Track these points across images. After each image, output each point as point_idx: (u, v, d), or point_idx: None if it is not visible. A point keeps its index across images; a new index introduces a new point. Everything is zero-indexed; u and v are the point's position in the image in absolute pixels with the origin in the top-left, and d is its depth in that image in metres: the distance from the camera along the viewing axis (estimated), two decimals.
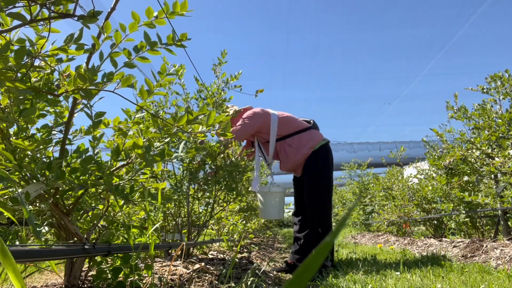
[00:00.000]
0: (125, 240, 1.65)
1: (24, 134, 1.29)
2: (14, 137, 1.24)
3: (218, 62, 2.69)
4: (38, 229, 1.33)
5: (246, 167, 2.88)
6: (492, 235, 4.07)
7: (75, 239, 1.34)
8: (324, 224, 2.72)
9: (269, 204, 2.93)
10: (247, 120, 2.80)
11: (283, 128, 2.86)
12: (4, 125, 1.17)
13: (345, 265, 2.86)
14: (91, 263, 1.47)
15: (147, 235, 1.92)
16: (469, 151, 3.76)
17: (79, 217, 1.47)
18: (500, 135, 3.25)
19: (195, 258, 2.59)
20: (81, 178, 1.28)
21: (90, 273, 1.60)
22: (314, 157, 2.79)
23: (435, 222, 5.50)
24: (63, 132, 1.34)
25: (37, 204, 1.34)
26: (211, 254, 3.17)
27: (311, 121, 3.02)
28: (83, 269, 1.55)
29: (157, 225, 1.39)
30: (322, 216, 2.74)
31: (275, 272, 2.70)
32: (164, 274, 1.81)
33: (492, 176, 3.97)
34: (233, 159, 2.74)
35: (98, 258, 1.45)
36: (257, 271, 2.19)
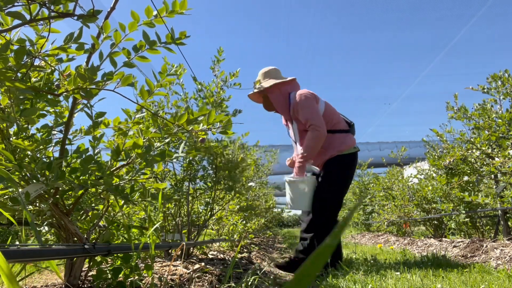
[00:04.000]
0: (125, 240, 1.65)
1: (24, 134, 1.29)
2: (14, 137, 1.24)
3: (216, 60, 2.68)
4: (38, 229, 1.33)
5: (246, 167, 2.88)
6: (492, 235, 4.07)
7: (75, 239, 1.34)
8: (318, 229, 2.62)
9: (299, 193, 2.68)
10: (309, 107, 2.61)
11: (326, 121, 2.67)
12: (4, 125, 1.17)
13: (345, 265, 2.86)
14: (91, 263, 1.47)
15: (147, 235, 1.92)
16: (469, 151, 3.76)
17: (79, 217, 1.47)
18: (500, 135, 3.25)
19: (195, 258, 2.58)
20: (81, 178, 1.28)
21: (90, 273, 1.60)
22: (337, 161, 2.67)
23: (435, 222, 5.51)
24: (63, 132, 1.34)
25: (37, 204, 1.34)
26: (211, 254, 3.17)
27: (352, 124, 2.84)
28: (83, 269, 1.55)
29: (157, 225, 1.39)
30: (319, 220, 2.63)
31: (272, 269, 2.69)
32: (164, 274, 1.81)
33: (492, 176, 3.97)
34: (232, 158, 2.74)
35: (98, 258, 1.45)
36: (257, 271, 2.19)
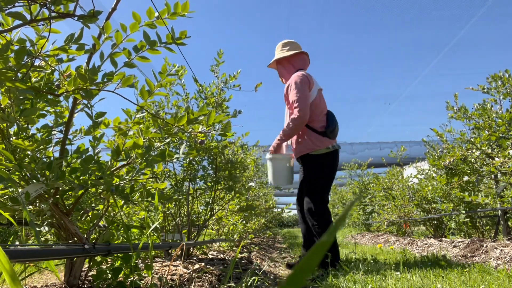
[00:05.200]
0: (125, 240, 1.65)
1: (24, 134, 1.29)
2: (14, 137, 1.24)
3: (216, 63, 2.70)
4: (38, 229, 1.33)
5: (245, 167, 2.88)
6: (492, 235, 4.07)
7: (75, 239, 1.34)
8: (315, 220, 2.66)
9: (278, 169, 2.84)
10: (299, 90, 2.67)
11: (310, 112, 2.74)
12: (5, 125, 1.17)
13: (345, 265, 2.86)
14: (91, 263, 1.47)
15: (147, 235, 1.92)
16: (469, 151, 3.76)
17: (79, 217, 1.47)
18: (500, 135, 3.25)
19: (195, 258, 2.59)
20: (81, 178, 1.28)
21: (90, 273, 1.60)
22: (311, 159, 2.75)
23: (435, 222, 5.51)
24: (63, 132, 1.34)
25: (37, 204, 1.34)
26: (211, 254, 3.17)
27: (333, 128, 2.79)
28: (83, 269, 1.55)
29: (156, 223, 1.39)
30: (312, 214, 2.67)
31: (272, 269, 2.71)
32: (164, 274, 1.81)
33: (492, 176, 3.97)
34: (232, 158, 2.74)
35: (98, 258, 1.45)
36: (257, 271, 2.19)
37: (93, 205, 1.55)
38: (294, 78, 2.74)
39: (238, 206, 3.86)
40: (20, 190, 1.16)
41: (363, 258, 3.18)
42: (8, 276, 0.46)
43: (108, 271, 1.42)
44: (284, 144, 2.85)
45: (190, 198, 2.70)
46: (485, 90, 3.54)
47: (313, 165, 2.74)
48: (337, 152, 2.82)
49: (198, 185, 2.84)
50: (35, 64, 1.19)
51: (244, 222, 4.43)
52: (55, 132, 1.47)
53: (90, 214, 1.48)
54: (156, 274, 1.82)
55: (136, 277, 1.44)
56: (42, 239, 1.54)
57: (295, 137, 2.81)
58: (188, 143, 2.13)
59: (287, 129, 2.69)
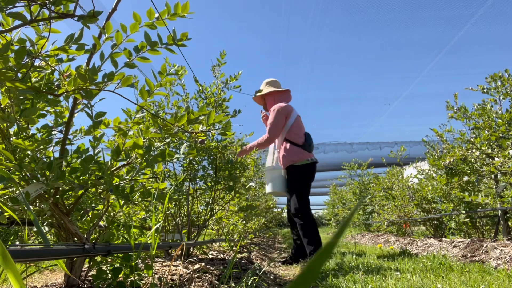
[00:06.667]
0: (125, 240, 1.65)
1: (24, 134, 1.29)
2: (14, 137, 1.24)
3: (217, 64, 2.69)
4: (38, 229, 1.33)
5: (246, 167, 2.88)
6: (492, 235, 4.07)
7: (75, 239, 1.34)
8: (301, 219, 3.39)
9: (275, 178, 3.55)
10: (276, 119, 3.51)
11: (290, 133, 3.57)
12: (5, 125, 1.17)
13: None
14: (91, 263, 1.47)
15: (148, 235, 1.92)
16: (469, 151, 3.76)
17: (79, 217, 1.47)
18: (500, 135, 3.25)
19: (195, 258, 2.59)
20: (81, 178, 1.28)
21: (90, 273, 1.60)
22: (295, 170, 3.50)
23: (435, 222, 5.51)
24: (63, 132, 1.34)
25: (37, 204, 1.34)
26: (211, 254, 3.17)
27: (308, 144, 3.59)
28: (83, 269, 1.55)
29: (158, 224, 1.39)
30: (299, 215, 3.40)
31: (272, 269, 2.78)
32: (164, 274, 1.81)
33: (492, 176, 3.97)
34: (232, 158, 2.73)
35: (98, 258, 1.45)
36: (257, 271, 2.19)
37: (93, 205, 1.55)
38: (277, 107, 3.56)
39: (238, 206, 3.86)
40: (20, 190, 1.16)
41: (362, 258, 3.18)
42: (12, 275, 0.46)
43: (108, 271, 1.41)
44: (275, 159, 3.65)
45: (190, 198, 2.70)
46: (485, 90, 3.54)
47: (296, 175, 3.49)
48: (315, 165, 3.61)
49: (198, 185, 2.84)
50: (35, 64, 1.19)
51: (244, 222, 4.43)
52: (55, 132, 1.47)
53: (90, 214, 1.48)
54: (156, 274, 1.82)
55: (136, 277, 1.44)
56: (42, 239, 1.54)
57: (282, 152, 3.60)
58: (188, 143, 2.13)
59: (260, 142, 3.53)
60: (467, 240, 3.91)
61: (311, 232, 3.37)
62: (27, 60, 1.10)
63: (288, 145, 3.55)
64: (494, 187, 4.10)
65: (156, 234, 2.25)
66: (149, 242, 1.67)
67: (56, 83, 1.34)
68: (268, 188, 3.61)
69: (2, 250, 0.45)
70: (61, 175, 1.17)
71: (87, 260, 1.50)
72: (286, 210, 6.95)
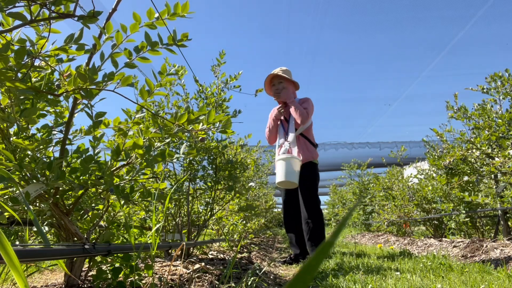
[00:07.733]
0: (125, 240, 1.65)
1: (25, 134, 1.29)
2: (14, 137, 1.24)
3: (217, 64, 2.69)
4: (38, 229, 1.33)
5: (246, 167, 2.88)
6: (492, 235, 4.07)
7: (75, 239, 1.34)
8: (318, 219, 3.45)
9: (290, 167, 3.37)
10: (312, 108, 3.64)
11: (308, 130, 3.71)
12: (5, 125, 1.17)
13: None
14: (91, 263, 1.47)
15: (148, 235, 1.92)
16: (469, 151, 3.76)
17: (79, 217, 1.47)
18: (500, 135, 3.25)
19: (195, 258, 2.59)
20: (81, 178, 1.28)
21: (90, 273, 1.60)
22: (311, 167, 3.60)
23: (435, 222, 5.51)
24: (64, 132, 1.34)
25: (37, 204, 1.34)
26: (211, 254, 3.17)
27: (316, 144, 3.82)
28: (83, 269, 1.55)
29: (159, 225, 1.39)
30: (314, 209, 3.49)
31: (272, 269, 2.76)
32: (164, 274, 1.81)
33: (492, 176, 3.97)
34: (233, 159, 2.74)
35: (98, 258, 1.45)
36: (257, 271, 2.19)
37: (93, 205, 1.55)
38: (311, 101, 3.69)
39: (238, 206, 3.86)
40: (20, 190, 1.16)
41: (362, 258, 3.18)
42: (17, 274, 0.47)
43: (108, 271, 1.42)
44: (286, 150, 3.56)
45: (190, 198, 2.70)
46: (485, 91, 3.53)
47: (312, 171, 3.60)
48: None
49: (198, 185, 2.84)
50: (35, 64, 1.19)
51: (244, 222, 4.43)
52: (55, 132, 1.47)
53: (90, 214, 1.48)
54: (156, 274, 1.82)
55: (136, 277, 1.44)
56: (42, 239, 1.54)
57: (301, 146, 3.62)
58: (188, 143, 2.13)
59: (303, 113, 3.49)
60: (467, 240, 3.91)
61: (324, 231, 3.47)
62: (27, 60, 1.10)
63: (306, 141, 3.64)
64: (494, 187, 4.10)
65: (156, 234, 2.25)
66: (149, 242, 1.67)
67: (56, 83, 1.34)
68: (281, 177, 3.34)
69: (7, 249, 0.45)
70: (61, 175, 1.17)
71: (87, 260, 1.50)
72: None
